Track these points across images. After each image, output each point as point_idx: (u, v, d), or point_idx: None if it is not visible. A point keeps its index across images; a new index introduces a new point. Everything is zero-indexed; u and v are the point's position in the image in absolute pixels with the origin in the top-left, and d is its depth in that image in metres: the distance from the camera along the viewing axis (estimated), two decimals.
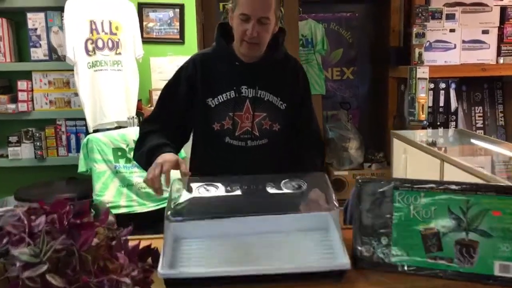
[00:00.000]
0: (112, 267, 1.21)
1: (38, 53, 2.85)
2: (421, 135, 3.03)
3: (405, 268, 1.24)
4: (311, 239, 1.33)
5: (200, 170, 1.63)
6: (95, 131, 2.70)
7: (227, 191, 1.34)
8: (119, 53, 2.80)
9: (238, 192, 1.33)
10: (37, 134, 2.86)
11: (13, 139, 2.87)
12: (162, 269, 1.19)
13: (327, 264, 1.23)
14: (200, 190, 1.34)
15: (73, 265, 1.09)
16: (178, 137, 1.59)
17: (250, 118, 1.54)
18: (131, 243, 1.46)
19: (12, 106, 2.81)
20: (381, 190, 1.28)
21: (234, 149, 1.55)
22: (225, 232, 1.31)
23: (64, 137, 2.89)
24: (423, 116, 3.46)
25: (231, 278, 1.17)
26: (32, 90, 2.87)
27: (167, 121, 1.59)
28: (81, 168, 2.56)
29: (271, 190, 1.34)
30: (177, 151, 1.54)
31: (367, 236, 1.30)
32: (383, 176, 3.92)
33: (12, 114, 2.83)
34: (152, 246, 1.35)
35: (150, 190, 2.71)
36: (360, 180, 1.32)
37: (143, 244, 1.39)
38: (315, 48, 4.01)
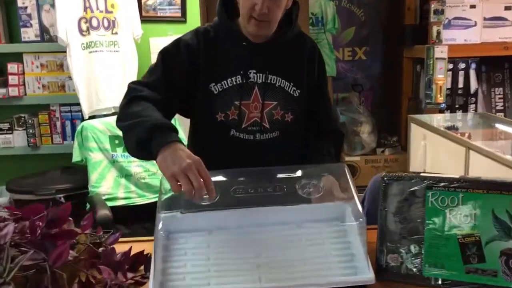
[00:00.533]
0: (95, 282, 1.04)
1: (29, 33, 2.67)
2: (439, 119, 2.85)
3: (439, 282, 1.08)
4: (328, 241, 1.17)
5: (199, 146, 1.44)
6: (91, 117, 2.53)
7: (229, 182, 1.16)
8: (116, 33, 2.61)
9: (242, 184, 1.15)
10: (30, 121, 2.70)
11: (4, 126, 2.71)
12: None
13: (347, 278, 1.05)
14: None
15: (45, 285, 0.92)
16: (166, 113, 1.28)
17: (259, 108, 1.34)
18: (121, 248, 1.28)
19: (2, 90, 2.65)
20: (411, 189, 1.11)
21: (241, 143, 1.35)
22: (227, 230, 1.15)
23: (58, 123, 2.72)
24: (440, 99, 3.27)
25: None
26: (23, 74, 2.69)
27: (160, 91, 1.28)
28: (76, 157, 2.39)
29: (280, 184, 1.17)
30: None
31: (393, 244, 1.13)
32: (397, 162, 3.74)
33: (3, 99, 2.67)
34: (146, 252, 1.19)
35: (150, 180, 2.58)
36: (386, 178, 1.13)
37: (136, 248, 1.23)
38: (326, 27, 3.81)
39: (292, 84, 1.36)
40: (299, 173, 1.20)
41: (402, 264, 1.11)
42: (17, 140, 2.73)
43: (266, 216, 1.18)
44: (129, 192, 2.39)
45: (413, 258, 1.10)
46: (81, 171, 2.52)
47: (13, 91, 2.64)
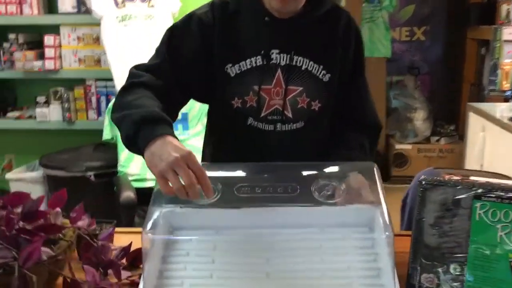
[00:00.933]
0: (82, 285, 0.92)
1: (66, 4, 2.59)
2: (502, 109, 2.56)
3: None
4: (352, 251, 0.99)
5: (213, 156, 1.29)
6: None
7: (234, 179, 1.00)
8: (152, 6, 2.48)
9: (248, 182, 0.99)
10: (66, 95, 2.64)
11: (41, 99, 2.67)
12: None
13: None
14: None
15: None
16: (171, 106, 1.13)
17: (281, 94, 1.16)
18: (120, 241, 1.17)
19: (39, 63, 2.59)
20: (455, 198, 0.91)
21: (259, 134, 1.18)
22: (237, 230, 1.00)
23: (94, 99, 2.65)
24: (506, 86, 2.96)
25: None
26: (60, 46, 2.63)
27: (164, 75, 1.12)
28: (106, 135, 2.32)
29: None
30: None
31: (430, 261, 0.94)
32: (453, 153, 3.46)
33: (39, 72, 2.62)
34: None
35: None
36: (424, 182, 0.94)
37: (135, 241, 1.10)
38: (382, 3, 3.59)
39: (321, 67, 1.17)
40: (317, 170, 1.03)
41: (439, 286, 0.93)
42: (53, 114, 2.69)
43: (283, 217, 1.02)
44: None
45: (452, 281, 0.91)
46: (114, 148, 2.45)
47: (49, 64, 2.59)
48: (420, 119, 3.54)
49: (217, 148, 1.28)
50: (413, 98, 3.61)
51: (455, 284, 0.91)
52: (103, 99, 2.66)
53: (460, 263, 0.90)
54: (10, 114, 2.80)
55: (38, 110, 2.68)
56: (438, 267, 0.92)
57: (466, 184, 0.90)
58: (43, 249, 0.86)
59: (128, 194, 1.97)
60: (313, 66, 1.16)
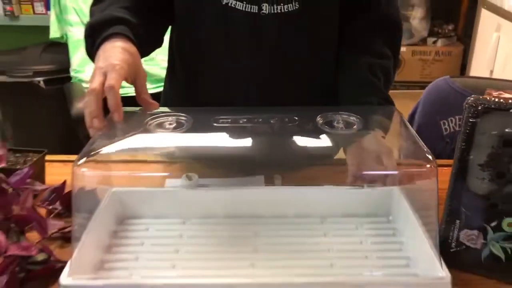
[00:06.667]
0: None
1: None
2: None
3: None
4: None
5: (180, 64, 0.98)
6: None
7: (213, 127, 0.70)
8: None
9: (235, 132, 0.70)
10: None
11: None
12: (68, 278, 0.60)
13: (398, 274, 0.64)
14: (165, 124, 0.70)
15: None
16: (154, 7, 0.89)
17: None
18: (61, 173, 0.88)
19: None
20: None
21: (238, 18, 0.85)
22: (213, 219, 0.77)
23: None
24: None
25: None
26: None
27: None
28: (54, 33, 1.94)
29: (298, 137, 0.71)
30: (145, 48, 0.85)
31: (474, 214, 0.69)
32: (450, 55, 3.15)
33: None
34: None
35: (147, 68, 2.09)
36: (476, 104, 0.65)
37: None
38: None
39: None
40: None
41: (485, 247, 0.68)
42: None
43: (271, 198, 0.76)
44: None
45: (504, 240, 0.67)
46: (67, 49, 2.07)
47: None
48: (417, 17, 3.17)
49: (182, 50, 0.96)
50: None
51: (508, 245, 0.66)
52: None
53: None
54: None
55: None
56: (486, 222, 0.67)
57: None
58: None
59: (80, 107, 1.65)
60: None
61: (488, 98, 0.65)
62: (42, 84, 2.02)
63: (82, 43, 1.91)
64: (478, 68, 2.15)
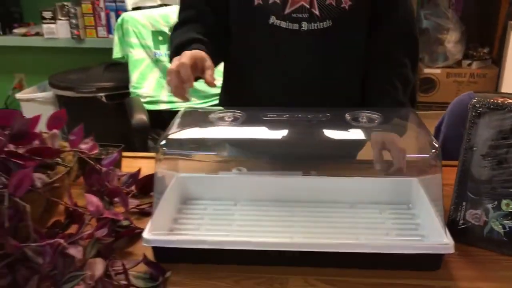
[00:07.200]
0: (77, 217, 0.83)
1: None
2: None
3: None
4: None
5: (233, 73, 1.16)
6: (135, 9, 2.25)
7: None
8: None
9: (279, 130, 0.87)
10: (73, 10, 2.47)
11: (47, 14, 2.50)
12: (149, 234, 0.78)
13: (412, 244, 0.78)
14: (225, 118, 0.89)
15: (2, 219, 0.72)
16: (218, 30, 1.11)
17: None
18: (131, 167, 1.06)
19: None
20: None
21: (282, 34, 1.05)
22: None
23: (103, 14, 2.48)
24: None
25: (261, 255, 0.75)
26: None
27: (201, 6, 1.12)
28: (116, 53, 2.17)
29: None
30: (217, 53, 1.06)
31: (478, 196, 0.82)
32: (485, 78, 3.24)
33: None
34: None
35: (195, 84, 2.30)
36: (478, 104, 0.80)
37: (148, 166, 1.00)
38: None
39: None
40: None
41: (487, 224, 0.82)
42: (61, 31, 2.53)
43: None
44: (172, 95, 2.16)
45: (503, 218, 0.80)
46: (126, 68, 2.31)
47: None
48: (452, 41, 3.28)
49: (237, 54, 1.15)
50: (445, 17, 3.33)
51: (507, 222, 0.80)
52: (112, 14, 2.48)
53: None
54: (16, 31, 2.65)
55: (45, 27, 2.52)
56: (487, 204, 0.81)
57: None
58: (37, 175, 0.75)
59: (140, 117, 1.86)
60: None
61: (488, 100, 0.79)
62: (104, 99, 2.26)
63: (141, 62, 2.15)
64: (509, 89, 2.25)
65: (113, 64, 2.40)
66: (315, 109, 0.92)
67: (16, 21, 2.71)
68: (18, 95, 2.62)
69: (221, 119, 0.88)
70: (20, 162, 0.74)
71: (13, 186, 0.70)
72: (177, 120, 0.92)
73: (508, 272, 0.77)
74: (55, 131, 0.85)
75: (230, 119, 0.88)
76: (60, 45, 2.56)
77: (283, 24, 1.04)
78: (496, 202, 0.80)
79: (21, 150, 0.77)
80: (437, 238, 0.77)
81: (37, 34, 2.61)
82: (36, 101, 2.50)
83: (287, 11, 1.03)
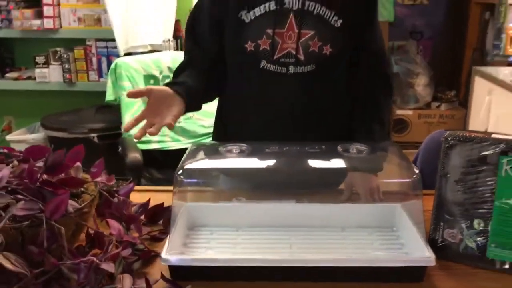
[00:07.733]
0: (99, 240, 0.92)
1: None
2: (506, 73, 2.54)
3: (507, 266, 0.91)
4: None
5: (228, 109, 1.29)
6: (127, 54, 2.38)
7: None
8: None
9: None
10: (65, 55, 2.59)
11: (40, 59, 2.61)
12: (167, 254, 0.87)
13: (399, 257, 0.89)
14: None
15: (41, 239, 0.80)
16: (212, 74, 1.27)
17: (294, 37, 1.17)
18: (138, 198, 1.16)
19: (37, 22, 2.53)
20: (481, 154, 0.90)
21: (271, 76, 1.20)
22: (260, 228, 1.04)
23: (94, 59, 2.60)
24: (510, 50, 2.93)
25: (265, 271, 0.85)
26: (59, 5, 2.56)
27: (195, 52, 1.29)
28: (109, 96, 2.27)
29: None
30: (212, 89, 1.25)
31: (453, 217, 0.94)
32: (453, 118, 3.46)
33: (38, 32, 2.55)
34: (167, 204, 1.06)
35: (185, 125, 2.45)
36: (450, 137, 0.93)
37: (157, 199, 1.10)
38: None
39: (333, 12, 1.18)
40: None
41: (462, 241, 0.93)
42: (53, 75, 2.64)
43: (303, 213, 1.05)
44: (163, 135, 2.26)
45: (475, 235, 0.92)
46: (117, 110, 2.41)
47: (48, 23, 2.52)
48: (421, 84, 3.51)
49: (231, 94, 1.30)
50: (415, 63, 3.57)
51: (479, 239, 0.92)
52: (104, 60, 2.61)
53: (484, 219, 0.91)
54: (8, 75, 2.75)
55: (38, 71, 2.63)
56: (462, 223, 0.93)
57: (493, 140, 0.90)
58: (69, 201, 0.84)
59: (134, 155, 1.95)
60: (324, 11, 1.18)
61: (458, 134, 0.93)
62: (95, 139, 2.35)
63: (133, 104, 2.25)
64: (476, 127, 2.44)
65: (104, 106, 2.51)
66: (308, 142, 1.05)
67: (8, 66, 2.81)
68: (8, 137, 2.68)
69: (230, 151, 1.00)
70: (53, 190, 0.84)
71: (49, 211, 0.79)
72: (189, 153, 1.03)
73: (484, 282, 0.88)
74: (78, 164, 0.95)
75: (237, 152, 1.00)
76: (52, 88, 2.66)
77: (272, 68, 1.19)
78: (469, 222, 0.92)
79: (52, 180, 0.86)
80: (420, 253, 0.89)
81: (29, 78, 2.71)
82: (27, 142, 2.57)
83: (276, 56, 1.19)
